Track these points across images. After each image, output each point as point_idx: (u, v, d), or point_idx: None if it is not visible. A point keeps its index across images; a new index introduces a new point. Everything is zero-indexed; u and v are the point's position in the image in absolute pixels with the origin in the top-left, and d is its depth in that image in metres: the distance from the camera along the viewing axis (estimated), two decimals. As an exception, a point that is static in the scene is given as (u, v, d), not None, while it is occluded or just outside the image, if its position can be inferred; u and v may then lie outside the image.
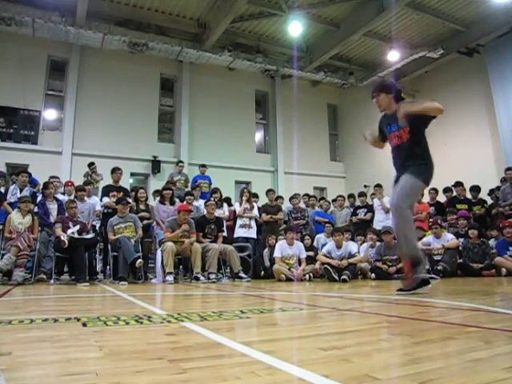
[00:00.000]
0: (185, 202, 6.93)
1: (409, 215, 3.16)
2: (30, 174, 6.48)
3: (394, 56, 11.03)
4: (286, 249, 6.18)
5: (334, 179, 13.37)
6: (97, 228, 6.48)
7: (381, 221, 7.30)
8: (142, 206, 6.47)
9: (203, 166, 8.78)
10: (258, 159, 12.51)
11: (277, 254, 6.13)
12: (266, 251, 6.68)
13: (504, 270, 5.84)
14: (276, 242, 6.51)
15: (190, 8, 10.16)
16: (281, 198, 8.35)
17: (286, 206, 8.16)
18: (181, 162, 9.38)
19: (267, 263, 6.57)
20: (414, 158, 3.21)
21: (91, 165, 7.95)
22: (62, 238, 5.00)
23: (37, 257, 5.34)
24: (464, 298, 2.96)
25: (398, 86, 3.45)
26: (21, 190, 6.10)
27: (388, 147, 3.60)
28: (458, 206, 7.44)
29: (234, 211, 7.32)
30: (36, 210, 5.84)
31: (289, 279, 5.90)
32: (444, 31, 10.66)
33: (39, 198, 6.23)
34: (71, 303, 3.11)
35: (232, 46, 11.03)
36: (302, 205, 8.19)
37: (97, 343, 1.40)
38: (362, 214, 7.80)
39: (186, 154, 11.16)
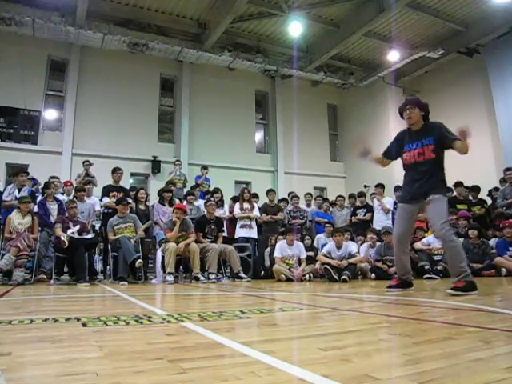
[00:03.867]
0: (185, 202, 6.94)
1: (457, 241, 3.27)
2: (27, 174, 6.48)
3: (394, 56, 11.04)
4: (285, 249, 6.18)
5: (333, 179, 13.37)
6: (97, 228, 6.48)
7: (381, 221, 7.30)
8: (141, 207, 6.47)
9: (205, 167, 8.74)
10: (258, 159, 12.50)
11: (277, 254, 6.13)
12: (267, 251, 6.67)
13: (504, 269, 5.84)
14: (276, 242, 6.50)
15: (190, 8, 10.17)
16: (285, 200, 8.29)
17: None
18: (178, 160, 9.33)
19: (267, 263, 6.57)
20: (436, 177, 3.30)
21: (85, 161, 7.96)
22: (62, 238, 5.00)
23: (37, 257, 5.34)
24: (464, 298, 2.96)
25: (428, 107, 3.56)
26: (19, 190, 6.09)
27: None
28: (459, 207, 7.43)
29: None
30: (36, 209, 5.84)
31: (289, 279, 5.90)
32: (444, 31, 10.67)
33: (39, 197, 6.23)
34: (71, 303, 3.11)
35: (232, 46, 11.04)
36: (302, 205, 8.18)
37: (97, 343, 1.40)
38: (361, 214, 7.80)
39: (186, 154, 11.15)
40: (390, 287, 3.63)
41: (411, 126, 3.49)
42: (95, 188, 7.40)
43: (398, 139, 3.62)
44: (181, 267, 6.34)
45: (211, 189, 8.10)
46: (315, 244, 7.13)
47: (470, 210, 7.42)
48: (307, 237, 6.96)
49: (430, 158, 3.31)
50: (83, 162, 8.00)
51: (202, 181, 8.42)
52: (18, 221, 5.38)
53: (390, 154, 3.69)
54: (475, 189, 7.73)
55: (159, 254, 5.83)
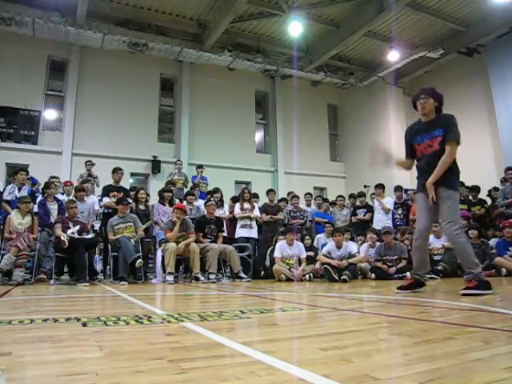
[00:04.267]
0: (185, 202, 6.94)
1: (465, 238, 3.24)
2: (27, 172, 6.48)
3: (394, 56, 11.04)
4: (285, 249, 6.18)
5: (333, 179, 13.36)
6: (96, 228, 6.47)
7: (381, 221, 7.29)
8: (141, 207, 6.47)
9: (201, 166, 8.74)
10: (258, 159, 12.50)
11: (277, 254, 6.13)
12: (271, 249, 6.64)
13: (504, 269, 5.83)
14: (276, 242, 6.50)
15: (190, 8, 10.17)
16: (284, 200, 8.32)
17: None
18: (178, 160, 9.36)
19: (268, 262, 6.56)
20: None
21: (87, 162, 8.00)
22: (62, 238, 5.00)
23: (37, 257, 5.34)
24: (464, 298, 2.96)
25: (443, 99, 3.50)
26: (19, 189, 6.09)
27: None
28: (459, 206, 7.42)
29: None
30: (36, 209, 5.84)
31: (289, 279, 5.89)
32: (444, 31, 10.67)
33: (39, 197, 6.23)
34: (71, 303, 3.11)
35: (232, 46, 11.04)
36: (302, 205, 8.18)
37: (97, 343, 1.40)
38: (361, 214, 7.80)
39: (185, 154, 11.15)
40: (400, 288, 3.52)
41: (423, 117, 3.44)
42: (97, 188, 7.40)
43: (408, 134, 3.57)
44: (181, 267, 6.34)
45: (210, 188, 8.10)
46: (315, 244, 7.13)
47: (470, 210, 7.42)
48: (307, 237, 6.95)
49: (437, 150, 3.28)
50: (85, 162, 8.02)
51: (199, 180, 8.40)
52: (17, 221, 5.37)
53: (411, 153, 3.58)
54: (475, 189, 7.73)
55: (159, 253, 5.83)
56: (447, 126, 3.28)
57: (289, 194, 8.56)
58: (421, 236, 3.49)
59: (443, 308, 2.45)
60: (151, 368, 1.07)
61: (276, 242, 6.51)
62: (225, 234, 6.72)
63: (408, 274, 6.06)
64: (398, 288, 3.54)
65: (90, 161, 8.05)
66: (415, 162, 3.53)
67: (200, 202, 7.27)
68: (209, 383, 0.94)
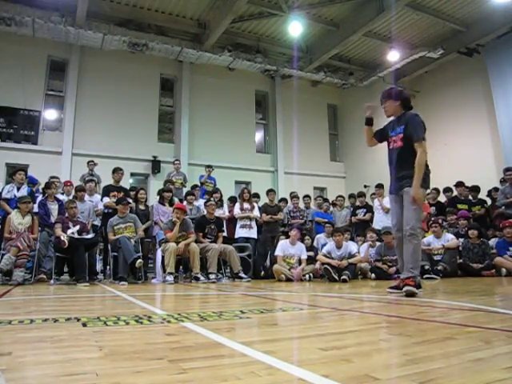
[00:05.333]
0: (185, 202, 6.94)
1: (420, 238, 3.23)
2: (26, 172, 6.49)
3: (394, 56, 11.03)
4: (287, 248, 6.19)
5: (333, 179, 13.37)
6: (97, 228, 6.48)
7: (381, 221, 7.29)
8: (141, 207, 6.48)
9: (210, 166, 8.74)
10: (258, 159, 12.50)
11: (278, 252, 6.13)
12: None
13: (504, 270, 5.84)
14: (278, 241, 6.51)
15: (190, 8, 10.17)
16: (284, 200, 8.35)
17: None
18: (177, 160, 9.36)
19: (268, 262, 6.56)
20: (407, 166, 3.26)
21: (90, 162, 8.03)
22: (62, 238, 5.00)
23: (37, 257, 5.34)
24: (464, 298, 2.96)
25: (406, 94, 3.58)
26: (18, 189, 6.10)
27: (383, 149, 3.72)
28: (459, 206, 7.44)
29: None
30: (37, 209, 5.84)
31: (289, 279, 5.90)
32: (444, 31, 10.67)
33: (39, 197, 6.23)
34: (71, 303, 3.11)
35: (232, 46, 11.04)
36: (302, 205, 8.18)
37: (97, 343, 1.40)
38: (361, 214, 7.80)
39: (186, 154, 11.16)
40: (392, 288, 3.43)
41: (389, 117, 3.54)
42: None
43: (386, 125, 3.65)
44: (181, 267, 6.34)
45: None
46: (315, 244, 7.13)
47: (470, 210, 7.42)
48: (307, 237, 6.96)
49: (398, 147, 3.34)
50: (88, 162, 8.06)
51: (205, 179, 8.43)
52: (17, 221, 5.38)
53: (376, 135, 3.70)
54: (475, 189, 7.73)
55: (159, 253, 5.83)
56: (409, 124, 3.32)
57: (291, 193, 8.51)
58: (399, 235, 3.42)
59: (443, 308, 2.45)
60: (151, 368, 1.07)
61: (278, 242, 6.51)
62: (224, 234, 6.73)
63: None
64: (390, 287, 3.46)
65: (93, 161, 8.09)
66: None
67: (200, 202, 7.27)
68: (209, 383, 0.94)
